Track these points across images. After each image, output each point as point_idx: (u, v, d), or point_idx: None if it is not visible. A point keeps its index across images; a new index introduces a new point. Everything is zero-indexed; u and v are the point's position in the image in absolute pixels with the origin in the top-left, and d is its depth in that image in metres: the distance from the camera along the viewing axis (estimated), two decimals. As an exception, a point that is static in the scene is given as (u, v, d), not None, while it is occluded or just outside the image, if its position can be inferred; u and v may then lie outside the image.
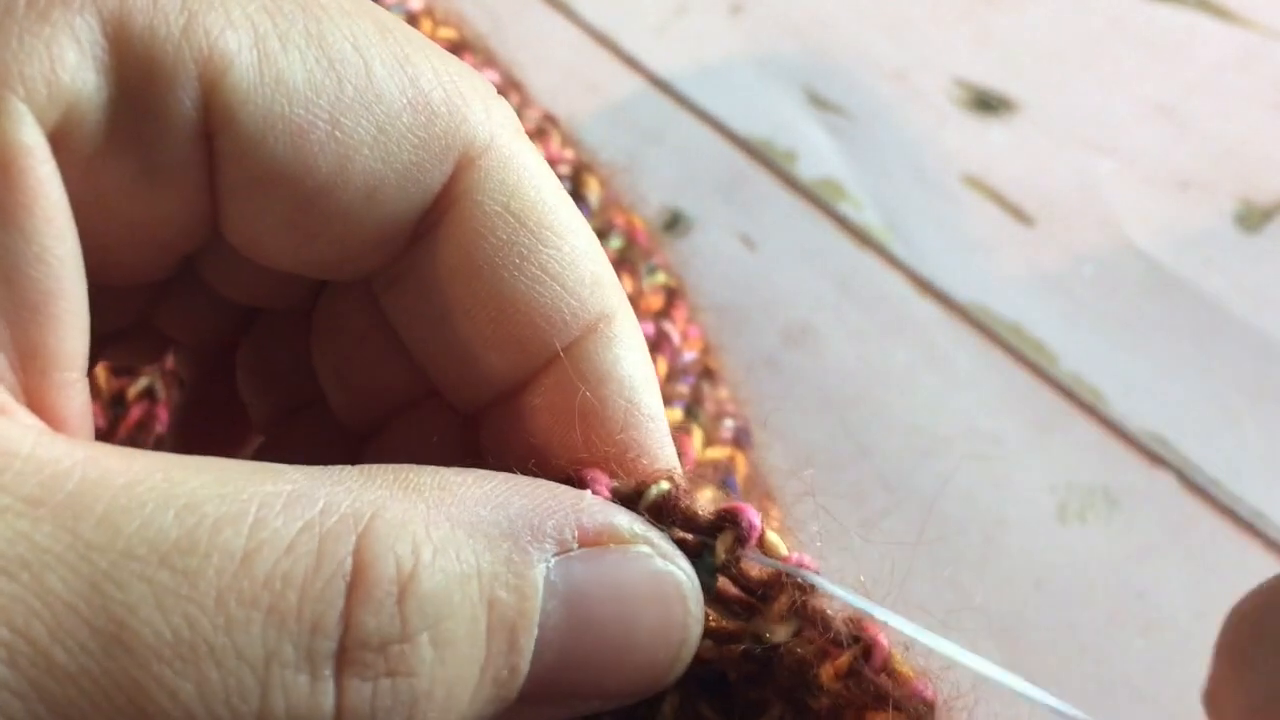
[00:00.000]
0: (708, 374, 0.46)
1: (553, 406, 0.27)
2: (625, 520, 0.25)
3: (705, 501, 0.26)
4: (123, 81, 0.24)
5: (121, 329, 0.32)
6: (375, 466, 0.23)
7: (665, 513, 0.26)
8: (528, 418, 0.28)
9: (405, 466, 0.24)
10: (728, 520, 0.26)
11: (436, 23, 0.51)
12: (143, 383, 0.41)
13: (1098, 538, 0.50)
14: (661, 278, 0.49)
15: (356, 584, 0.21)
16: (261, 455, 0.34)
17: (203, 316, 0.33)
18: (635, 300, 0.47)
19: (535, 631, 0.23)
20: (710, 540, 0.26)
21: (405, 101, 0.26)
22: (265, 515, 0.21)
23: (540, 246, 0.27)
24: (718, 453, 0.44)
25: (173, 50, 0.24)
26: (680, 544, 0.26)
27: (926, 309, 0.57)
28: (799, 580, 0.25)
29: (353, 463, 0.33)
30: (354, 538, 0.22)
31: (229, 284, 0.30)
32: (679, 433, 0.43)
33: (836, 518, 0.49)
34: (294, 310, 0.32)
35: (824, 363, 0.55)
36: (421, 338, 0.28)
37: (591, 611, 0.24)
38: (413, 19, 0.50)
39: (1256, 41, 0.66)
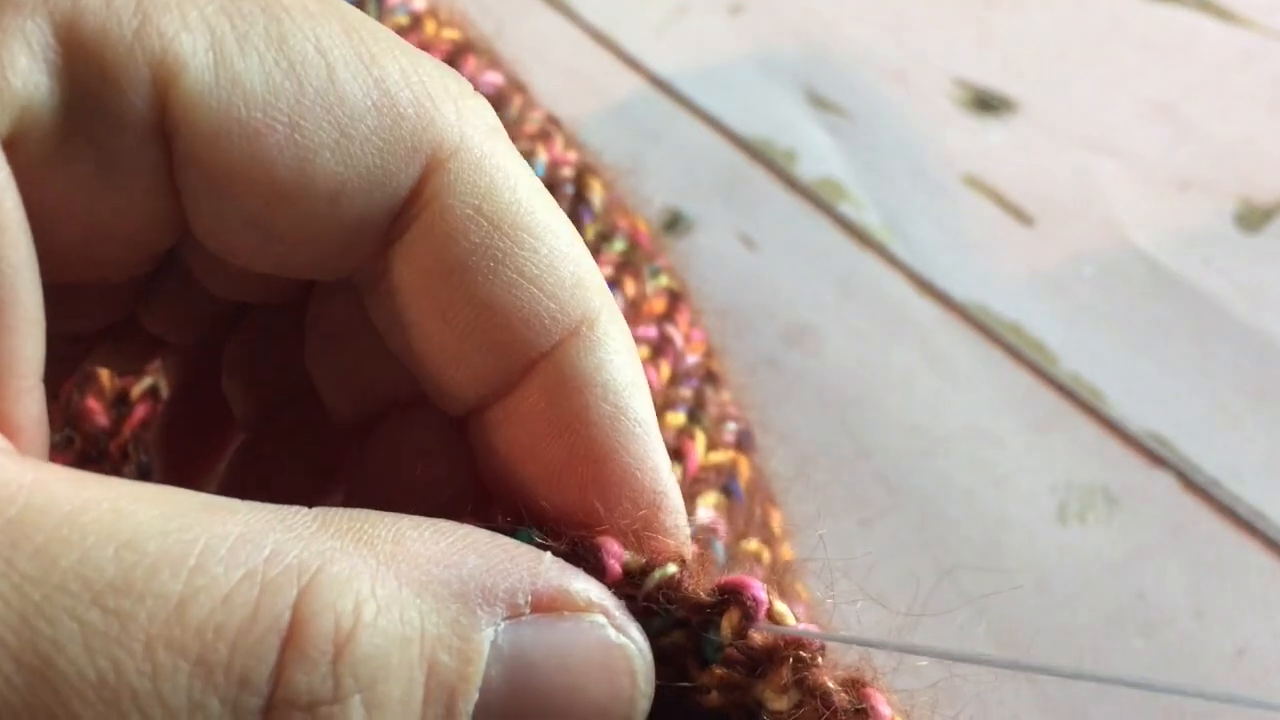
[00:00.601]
0: (711, 377, 0.46)
1: (537, 413, 0.27)
2: (581, 586, 0.24)
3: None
4: (76, 84, 0.24)
5: (109, 327, 0.32)
6: (332, 511, 0.23)
7: (669, 595, 0.25)
8: (513, 424, 0.27)
9: (362, 514, 0.23)
10: (732, 597, 0.25)
11: (441, 24, 0.51)
12: (147, 382, 0.41)
13: (1098, 538, 0.50)
14: (665, 280, 0.49)
15: (292, 640, 0.21)
16: (244, 454, 0.34)
17: (190, 313, 0.32)
18: (639, 303, 0.46)
19: (475, 696, 0.23)
20: (716, 618, 0.25)
21: (369, 104, 0.25)
22: (207, 560, 0.21)
23: (516, 249, 0.26)
24: (720, 456, 0.44)
25: (125, 53, 0.24)
26: (686, 621, 0.25)
27: (926, 309, 0.57)
28: (801, 653, 0.25)
29: (336, 461, 0.33)
30: (295, 591, 0.21)
31: (214, 279, 0.30)
32: (683, 436, 0.43)
33: (836, 518, 0.50)
34: (283, 306, 0.31)
35: (824, 363, 0.55)
36: (402, 341, 0.28)
37: (536, 680, 0.23)
38: (417, 20, 0.50)
39: (1256, 41, 0.66)
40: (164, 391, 0.41)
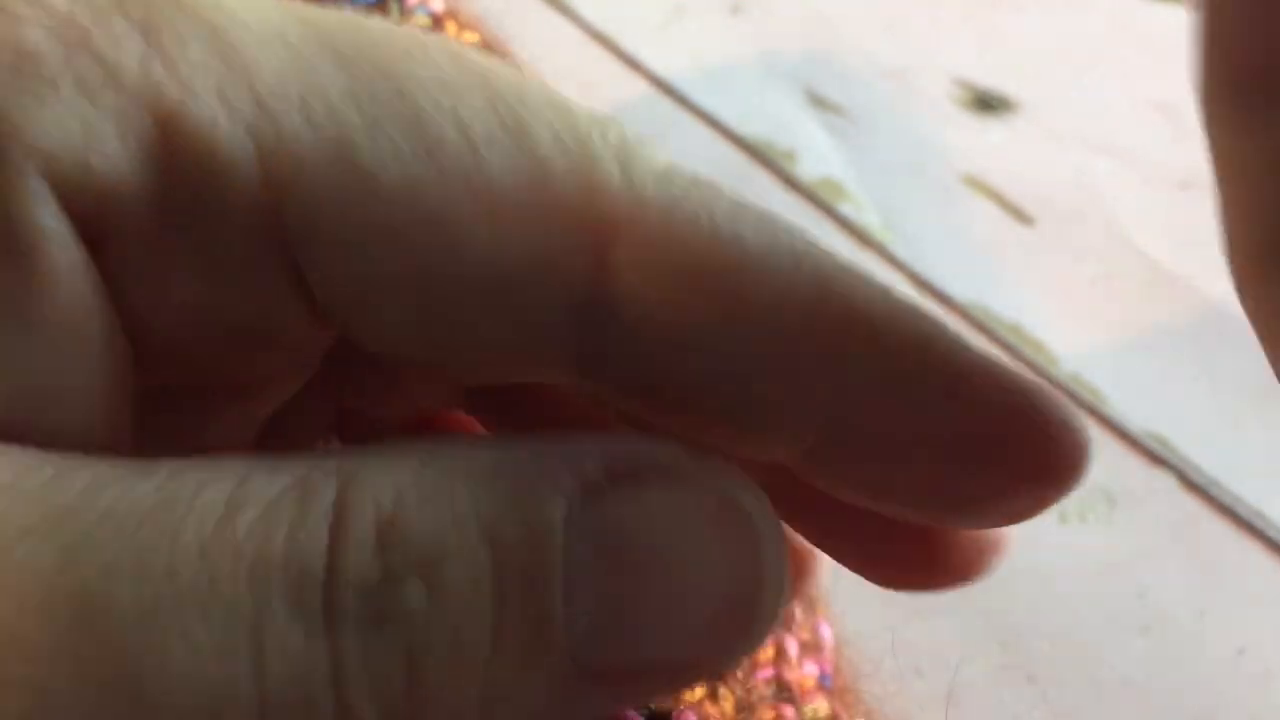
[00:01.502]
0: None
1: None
2: (665, 448, 0.21)
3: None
4: (177, 178, 0.21)
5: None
6: (363, 446, 0.22)
7: None
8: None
9: (395, 441, 0.22)
10: None
11: (461, 25, 0.50)
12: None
13: (1098, 538, 0.50)
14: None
15: (339, 527, 0.20)
16: None
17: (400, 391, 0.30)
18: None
19: (560, 575, 0.20)
20: None
21: (522, 181, 0.22)
22: (250, 475, 0.20)
23: (738, 289, 0.23)
24: None
25: (238, 149, 0.21)
26: None
27: (926, 309, 0.57)
28: None
29: None
30: (335, 484, 0.20)
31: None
32: None
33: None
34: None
35: (824, 363, 0.55)
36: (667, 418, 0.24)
37: (638, 551, 0.20)
38: (438, 21, 0.50)
39: (1256, 41, 0.66)
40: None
